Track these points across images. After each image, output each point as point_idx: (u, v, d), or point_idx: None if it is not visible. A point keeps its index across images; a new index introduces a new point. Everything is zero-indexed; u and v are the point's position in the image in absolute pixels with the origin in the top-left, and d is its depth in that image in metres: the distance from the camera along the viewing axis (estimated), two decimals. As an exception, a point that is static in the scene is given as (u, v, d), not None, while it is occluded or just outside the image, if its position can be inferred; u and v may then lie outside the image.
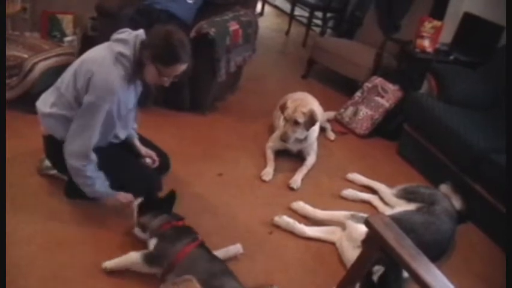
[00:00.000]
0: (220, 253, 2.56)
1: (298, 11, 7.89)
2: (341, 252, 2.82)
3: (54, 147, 2.61)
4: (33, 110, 2.67)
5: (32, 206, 2.71)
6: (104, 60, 2.45)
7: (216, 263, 2.35)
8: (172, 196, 2.65)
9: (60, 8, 4.77)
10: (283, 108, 3.65)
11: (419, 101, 4.07)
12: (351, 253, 2.63)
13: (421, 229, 2.80)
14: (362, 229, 2.53)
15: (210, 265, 2.31)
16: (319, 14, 7.46)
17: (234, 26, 4.14)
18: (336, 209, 3.13)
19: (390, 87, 4.60)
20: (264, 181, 3.45)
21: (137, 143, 2.97)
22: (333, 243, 2.91)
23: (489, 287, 2.88)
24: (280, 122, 3.73)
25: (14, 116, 3.07)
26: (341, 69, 5.33)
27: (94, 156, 2.52)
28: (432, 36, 4.57)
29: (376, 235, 1.80)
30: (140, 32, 2.54)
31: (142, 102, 2.89)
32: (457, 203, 3.32)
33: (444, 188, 3.47)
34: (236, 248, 2.63)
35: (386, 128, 4.53)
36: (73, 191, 2.76)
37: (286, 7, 8.57)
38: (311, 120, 3.56)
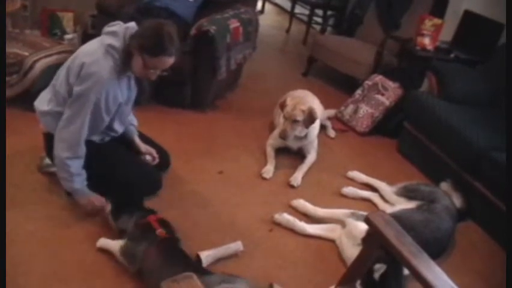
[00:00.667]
0: (220, 250, 2.57)
1: (298, 9, 7.89)
2: (341, 250, 2.82)
3: (53, 145, 2.62)
4: (33, 108, 2.68)
5: (32, 204, 2.71)
6: (94, 52, 2.47)
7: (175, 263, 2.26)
8: None
9: (60, 5, 4.77)
10: (282, 106, 3.65)
11: (419, 98, 4.07)
12: (351, 251, 2.62)
13: (421, 227, 2.80)
14: (362, 227, 2.54)
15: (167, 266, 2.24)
16: (319, 11, 7.47)
17: (234, 24, 4.14)
18: (337, 206, 3.13)
19: (391, 85, 4.60)
20: (264, 179, 3.45)
21: (137, 140, 2.97)
22: (333, 241, 2.91)
23: (489, 285, 2.88)
24: (281, 120, 3.73)
25: (14, 114, 3.08)
26: (341, 67, 5.33)
27: (82, 152, 2.52)
28: (432, 34, 4.57)
29: (376, 233, 1.81)
30: (131, 25, 2.54)
31: (136, 101, 2.88)
32: (457, 200, 3.33)
33: (444, 185, 3.47)
34: (236, 246, 2.63)
35: (386, 126, 4.52)
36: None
37: (287, 5, 8.57)
38: (310, 118, 3.56)
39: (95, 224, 2.64)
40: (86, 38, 4.62)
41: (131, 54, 2.47)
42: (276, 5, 9.39)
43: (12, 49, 3.57)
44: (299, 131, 3.61)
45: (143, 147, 2.98)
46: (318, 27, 7.33)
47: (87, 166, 2.61)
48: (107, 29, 2.55)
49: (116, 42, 2.47)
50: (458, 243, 3.14)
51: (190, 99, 4.19)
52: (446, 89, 4.06)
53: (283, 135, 3.57)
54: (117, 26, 2.54)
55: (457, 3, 4.94)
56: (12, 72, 3.50)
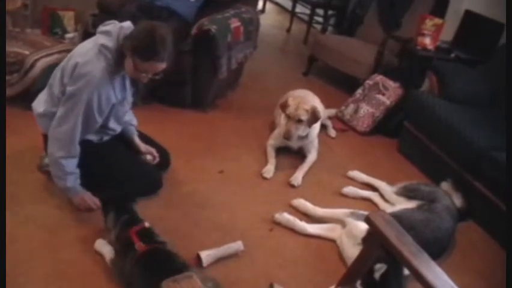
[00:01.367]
0: (221, 250, 2.57)
1: (299, 8, 7.89)
2: (341, 249, 2.82)
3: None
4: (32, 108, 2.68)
5: (32, 203, 2.71)
6: (88, 52, 2.47)
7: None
8: None
9: (61, 4, 4.76)
10: (284, 106, 3.64)
11: (419, 98, 4.07)
12: (352, 250, 2.62)
13: (421, 227, 2.80)
14: (363, 226, 2.54)
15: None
16: (320, 11, 7.46)
17: (235, 23, 4.14)
18: (337, 206, 3.13)
19: (391, 84, 4.59)
20: (265, 178, 3.45)
21: (136, 140, 2.97)
22: (333, 241, 2.91)
23: (489, 285, 2.88)
24: (282, 120, 3.72)
25: (14, 113, 3.08)
26: (341, 66, 5.33)
27: (76, 151, 2.53)
28: (433, 34, 4.57)
29: (377, 232, 1.81)
30: (126, 24, 2.53)
31: (133, 102, 2.89)
32: (458, 200, 3.33)
33: (444, 185, 3.47)
34: (237, 245, 2.63)
35: (386, 126, 4.52)
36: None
37: (288, 4, 8.56)
38: (314, 117, 3.56)
39: (95, 224, 2.63)
40: (87, 37, 4.56)
41: (124, 55, 2.46)
42: (276, 4, 9.39)
43: (12, 48, 3.57)
44: (302, 130, 3.60)
45: (143, 146, 2.98)
46: (318, 27, 7.32)
47: (86, 166, 2.61)
48: (101, 28, 2.55)
49: (110, 42, 2.46)
50: (459, 243, 3.14)
51: (190, 98, 4.19)
52: (446, 88, 4.06)
53: (287, 136, 3.56)
54: (111, 26, 2.53)
55: (457, 3, 4.94)
56: (13, 71, 3.50)
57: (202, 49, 3.92)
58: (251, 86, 5.07)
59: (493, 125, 3.69)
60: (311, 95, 3.99)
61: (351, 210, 2.98)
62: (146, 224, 2.39)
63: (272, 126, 4.05)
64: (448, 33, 4.79)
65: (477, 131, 3.52)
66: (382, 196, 3.42)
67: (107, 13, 3.97)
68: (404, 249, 1.70)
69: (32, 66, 3.50)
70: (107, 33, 2.50)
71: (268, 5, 9.01)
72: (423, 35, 4.58)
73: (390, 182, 3.49)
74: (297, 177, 3.48)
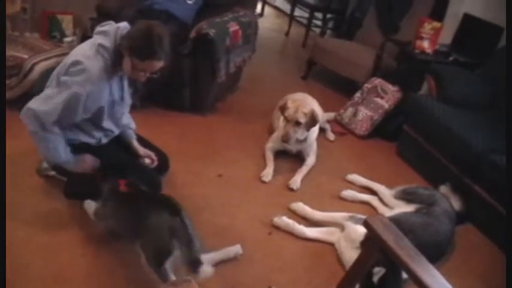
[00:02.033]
0: (219, 254, 2.57)
1: (298, 12, 7.90)
2: (339, 253, 2.82)
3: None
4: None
5: (31, 207, 2.71)
6: (86, 52, 2.49)
7: None
8: None
9: (60, 8, 4.78)
10: (283, 109, 3.65)
11: (418, 101, 4.07)
12: (350, 254, 2.62)
13: (420, 230, 2.80)
14: (361, 230, 2.54)
15: None
16: (319, 14, 7.48)
17: (233, 27, 4.14)
18: (336, 209, 3.13)
19: (390, 88, 4.60)
20: (263, 182, 3.45)
21: (135, 143, 2.97)
22: (332, 244, 2.91)
23: (488, 287, 2.89)
24: (280, 123, 3.72)
25: (13, 117, 3.06)
26: (340, 70, 5.34)
27: (55, 130, 2.49)
28: (431, 37, 4.58)
29: (375, 236, 1.80)
30: (123, 25, 2.54)
31: (132, 104, 2.90)
32: (456, 203, 3.33)
33: (443, 189, 3.47)
34: (236, 249, 2.63)
35: (385, 129, 4.52)
36: (72, 192, 2.76)
37: (286, 8, 8.58)
38: (312, 120, 3.56)
39: (94, 227, 2.64)
40: (85, 40, 4.61)
41: (122, 54, 2.47)
42: (275, 8, 9.40)
43: (11, 52, 3.58)
44: (300, 133, 3.61)
45: (141, 150, 2.98)
46: (317, 30, 7.33)
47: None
48: (98, 28, 2.57)
49: (107, 42, 2.48)
50: (457, 246, 3.14)
51: (189, 101, 4.19)
52: (445, 92, 4.06)
53: (285, 139, 3.56)
54: (108, 26, 2.55)
55: (456, 6, 4.95)
56: (12, 75, 3.50)
57: (200, 52, 3.92)
58: (250, 90, 5.07)
59: (491, 128, 3.70)
60: (310, 99, 4.00)
61: (350, 213, 2.98)
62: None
63: (271, 130, 4.05)
64: (446, 37, 4.80)
65: (476, 134, 3.53)
66: (381, 200, 3.42)
67: (105, 17, 3.95)
68: (402, 252, 1.70)
69: (31, 69, 3.51)
70: (104, 33, 2.51)
71: (267, 9, 9.02)
72: (421, 38, 4.59)
73: (389, 186, 3.48)
74: (296, 181, 3.48)
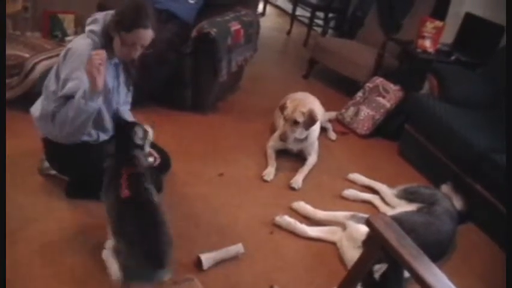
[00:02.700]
0: (221, 253, 2.56)
1: (299, 11, 7.90)
2: (341, 252, 2.82)
3: (52, 149, 2.62)
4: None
5: (32, 206, 2.71)
6: (77, 40, 2.56)
7: None
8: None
9: (61, 7, 4.78)
10: (282, 108, 3.65)
11: (420, 101, 4.07)
12: (352, 253, 2.62)
13: (422, 229, 2.80)
14: (363, 229, 2.54)
15: None
16: (320, 14, 7.48)
17: (235, 26, 4.14)
18: (337, 209, 3.13)
19: (392, 87, 4.60)
20: (265, 181, 3.45)
21: None
22: (334, 244, 2.91)
23: (489, 286, 2.88)
24: (280, 122, 3.73)
25: (14, 116, 3.08)
26: (342, 69, 5.34)
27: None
28: (433, 36, 4.57)
29: (377, 235, 1.80)
30: (112, 11, 2.57)
31: (137, 101, 2.90)
32: (458, 203, 3.32)
33: (445, 188, 3.47)
34: (237, 248, 2.63)
35: (387, 128, 4.52)
36: (74, 191, 2.77)
37: (288, 7, 8.58)
38: (310, 120, 3.56)
39: (96, 226, 2.63)
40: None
41: (111, 37, 2.50)
42: (277, 7, 9.40)
43: (12, 51, 3.57)
44: (299, 133, 3.61)
45: None
46: (319, 30, 7.32)
47: (83, 167, 2.61)
48: (89, 19, 2.61)
49: (96, 27, 2.53)
50: (459, 246, 3.14)
51: (191, 101, 4.19)
52: (446, 91, 4.06)
53: (283, 137, 3.57)
54: (98, 14, 2.61)
55: (458, 5, 4.95)
56: (13, 74, 3.50)
57: (202, 52, 3.92)
58: (251, 89, 5.07)
59: (493, 127, 3.69)
60: (311, 98, 4.00)
61: (352, 213, 2.97)
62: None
63: (272, 129, 4.06)
64: (448, 36, 4.79)
65: (477, 133, 3.52)
66: (382, 199, 3.42)
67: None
68: (404, 251, 1.70)
69: (32, 69, 3.50)
70: (94, 20, 2.57)
71: (269, 8, 9.03)
72: (423, 37, 4.58)
73: (391, 185, 3.48)
74: (298, 180, 3.48)
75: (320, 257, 2.81)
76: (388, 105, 4.51)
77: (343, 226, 2.92)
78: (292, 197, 3.27)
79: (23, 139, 3.12)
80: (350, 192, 3.46)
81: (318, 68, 5.78)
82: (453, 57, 4.58)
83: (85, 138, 2.63)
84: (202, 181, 3.30)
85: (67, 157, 2.62)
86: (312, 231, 2.95)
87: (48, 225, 2.60)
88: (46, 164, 2.92)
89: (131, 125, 2.58)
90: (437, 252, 2.85)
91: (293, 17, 7.84)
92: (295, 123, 3.54)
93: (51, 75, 2.57)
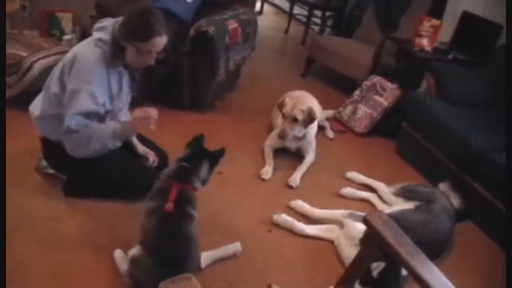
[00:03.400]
0: (219, 251, 2.57)
1: (297, 10, 7.90)
2: (339, 250, 2.82)
3: (50, 148, 2.62)
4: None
5: (30, 205, 2.71)
6: (85, 47, 2.54)
7: None
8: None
9: (59, 6, 4.78)
10: (281, 105, 3.66)
11: (417, 99, 4.08)
12: (350, 251, 2.63)
13: (419, 227, 2.80)
14: (360, 227, 2.55)
15: None
16: (318, 12, 7.47)
17: (233, 25, 4.14)
18: (335, 207, 3.14)
19: (389, 86, 4.60)
20: (263, 180, 3.45)
21: (134, 141, 2.97)
22: (331, 242, 2.91)
23: (488, 285, 2.88)
24: (279, 120, 3.73)
25: (12, 115, 3.07)
26: (339, 67, 5.34)
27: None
28: (431, 35, 4.58)
29: (374, 233, 1.81)
30: (120, 19, 2.56)
31: (135, 100, 2.91)
32: (456, 201, 3.33)
33: (443, 186, 3.47)
34: (235, 247, 2.63)
35: (384, 127, 4.53)
36: (72, 190, 2.77)
37: (286, 6, 8.57)
38: (309, 117, 3.57)
39: (94, 225, 2.64)
40: (84, 38, 4.59)
41: (123, 46, 2.50)
42: (274, 5, 9.39)
43: (10, 50, 3.57)
44: (298, 130, 3.61)
45: (141, 148, 2.98)
46: (316, 28, 7.33)
47: (83, 168, 2.62)
48: (96, 25, 2.60)
49: (105, 36, 2.52)
50: (457, 244, 3.14)
51: (188, 100, 4.19)
52: (444, 89, 4.07)
53: (282, 135, 3.57)
54: (106, 21, 2.59)
55: (455, 4, 4.95)
56: (11, 73, 3.50)
57: (200, 50, 3.92)
58: (249, 88, 5.07)
59: (490, 125, 3.70)
60: (309, 96, 4.00)
61: (349, 211, 2.98)
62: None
63: (270, 128, 4.05)
64: (445, 35, 4.80)
65: (475, 131, 3.53)
66: (380, 197, 3.43)
67: (105, 15, 3.95)
68: (401, 249, 1.70)
69: (30, 68, 3.50)
70: (102, 28, 2.55)
71: (266, 7, 9.01)
72: (421, 36, 4.59)
73: (388, 183, 3.49)
74: (295, 179, 3.48)
75: (318, 255, 2.81)
76: (386, 103, 4.52)
77: (341, 224, 2.92)
78: (290, 196, 3.27)
79: (21, 138, 3.12)
80: (348, 191, 3.46)
81: (316, 67, 5.78)
82: (450, 56, 4.59)
83: None
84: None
85: (65, 156, 2.62)
86: (310, 229, 2.96)
87: (46, 224, 2.60)
88: (44, 163, 2.92)
89: (201, 149, 2.68)
90: (435, 250, 2.86)
91: (291, 16, 7.84)
92: (295, 120, 3.55)
93: (54, 76, 2.57)
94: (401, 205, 3.16)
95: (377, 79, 4.73)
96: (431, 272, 1.65)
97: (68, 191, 2.81)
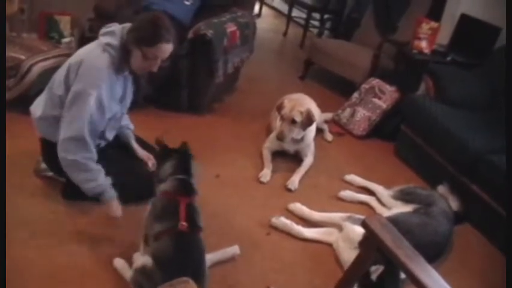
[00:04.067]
0: (217, 254, 2.57)
1: (295, 12, 7.91)
2: (338, 253, 2.82)
3: (49, 150, 2.62)
4: (30, 112, 2.68)
5: (29, 207, 2.71)
6: (92, 51, 2.52)
7: None
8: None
9: (58, 9, 4.77)
10: (280, 107, 3.66)
11: (416, 102, 4.08)
12: (348, 254, 2.63)
13: (418, 230, 2.80)
14: (359, 230, 2.55)
15: None
16: (316, 15, 7.47)
17: (231, 28, 4.14)
18: (334, 210, 3.14)
19: (388, 88, 4.60)
20: (261, 182, 3.45)
21: (134, 144, 2.97)
22: (330, 245, 2.91)
23: (486, 287, 2.88)
24: (277, 123, 3.73)
25: (11, 118, 3.06)
26: (338, 70, 5.34)
27: (94, 152, 2.52)
28: (429, 37, 4.58)
29: (373, 236, 1.81)
30: (128, 24, 2.57)
31: (134, 100, 2.91)
32: (454, 203, 3.33)
33: (441, 189, 3.47)
34: (233, 249, 2.63)
35: (383, 129, 4.53)
36: (71, 193, 2.76)
37: (284, 8, 8.59)
38: (308, 119, 3.57)
39: (92, 228, 2.64)
40: (83, 41, 4.57)
41: (129, 51, 2.50)
42: (273, 8, 9.40)
43: (9, 53, 3.56)
44: (296, 132, 3.61)
45: (140, 152, 2.98)
46: (315, 31, 7.33)
47: None
48: (104, 30, 2.59)
49: (114, 41, 2.51)
50: (455, 246, 3.14)
51: (187, 102, 4.19)
52: (442, 92, 4.07)
53: (280, 137, 3.57)
54: (114, 26, 2.58)
55: (453, 6, 4.95)
56: (10, 76, 3.49)
57: (198, 53, 3.92)
58: (248, 90, 5.07)
59: (489, 128, 3.70)
60: (308, 99, 4.00)
61: (348, 214, 2.98)
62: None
63: (269, 130, 4.06)
64: (444, 37, 4.81)
65: (473, 134, 3.53)
66: (379, 200, 3.43)
67: (103, 17, 3.97)
68: (400, 252, 1.70)
69: (29, 70, 3.50)
70: (110, 33, 2.55)
71: (265, 9, 9.03)
72: (419, 38, 4.59)
73: (387, 186, 3.49)
74: (294, 181, 3.48)
75: (317, 258, 2.81)
76: (384, 106, 4.52)
77: (339, 227, 2.92)
78: (288, 198, 3.27)
79: (19, 140, 3.12)
80: (347, 194, 3.46)
81: (315, 69, 5.79)
82: (449, 58, 4.60)
83: None
84: (199, 183, 3.29)
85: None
86: (309, 232, 2.96)
87: (45, 226, 2.60)
88: (43, 165, 2.91)
89: (188, 155, 2.57)
90: (434, 253, 2.86)
91: (289, 18, 7.84)
92: (293, 122, 3.55)
93: (59, 78, 2.56)
94: (400, 208, 3.16)
95: (375, 82, 4.73)
96: (429, 274, 1.64)
97: (66, 194, 2.80)
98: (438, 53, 4.66)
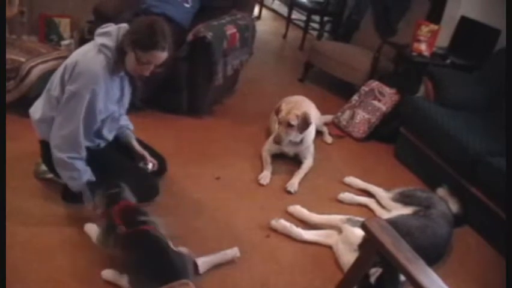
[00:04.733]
0: (217, 256, 2.56)
1: (295, 15, 7.92)
2: (337, 255, 2.82)
3: (49, 152, 2.62)
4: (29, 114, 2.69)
5: (28, 210, 2.71)
6: (87, 52, 2.52)
7: None
8: None
9: (57, 11, 4.78)
10: (277, 111, 3.66)
11: (415, 104, 4.08)
12: (348, 257, 2.62)
13: (417, 233, 2.80)
14: (359, 233, 2.55)
15: None
16: (316, 17, 7.49)
17: (231, 30, 4.15)
18: (333, 212, 3.13)
19: (387, 90, 4.60)
20: (261, 185, 3.45)
21: (135, 144, 2.97)
22: (330, 247, 2.91)
23: (486, 290, 2.89)
24: (275, 125, 3.73)
25: (10, 120, 3.07)
26: (337, 72, 5.35)
27: (84, 152, 2.54)
28: (429, 39, 4.59)
29: (373, 238, 1.81)
30: (124, 25, 2.58)
31: (133, 105, 2.91)
32: (454, 206, 3.33)
33: (441, 191, 3.47)
34: (233, 252, 2.62)
35: (383, 132, 4.53)
36: (70, 195, 2.76)
37: (284, 11, 8.61)
38: (304, 122, 3.56)
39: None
40: (83, 43, 4.57)
41: (125, 52, 2.50)
42: (272, 10, 9.42)
43: (9, 55, 3.57)
44: (294, 136, 3.61)
45: (140, 150, 2.97)
46: (314, 33, 7.35)
47: None
48: (99, 30, 2.59)
49: (109, 42, 2.52)
50: (455, 249, 3.14)
51: (187, 104, 4.19)
52: (442, 94, 4.07)
53: (277, 140, 3.58)
54: (110, 27, 2.58)
55: (453, 9, 4.96)
56: (9, 78, 3.50)
57: (198, 55, 3.93)
58: (247, 92, 5.08)
59: (488, 130, 3.70)
60: (307, 101, 4.00)
61: (348, 216, 2.97)
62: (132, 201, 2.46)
63: (268, 132, 4.06)
64: (443, 39, 4.81)
65: (473, 136, 3.53)
66: (378, 202, 3.42)
67: (103, 20, 3.95)
68: (399, 255, 1.70)
69: (28, 73, 3.51)
70: (106, 33, 2.54)
71: (264, 12, 9.05)
72: (419, 41, 4.60)
73: (387, 188, 3.48)
74: (293, 184, 3.48)
75: (316, 261, 2.81)
76: (384, 108, 4.52)
77: (339, 230, 2.92)
78: (288, 201, 3.27)
79: (19, 142, 3.12)
80: (346, 196, 3.46)
81: (314, 72, 5.79)
82: (448, 61, 4.60)
83: (86, 144, 2.63)
84: (199, 185, 3.29)
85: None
86: (308, 234, 2.95)
87: (44, 229, 2.60)
88: (43, 168, 2.91)
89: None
90: (434, 255, 2.86)
91: (289, 21, 7.85)
92: (290, 125, 3.55)
93: (55, 80, 2.56)
94: (399, 210, 3.15)
95: (375, 84, 4.73)
96: (429, 277, 1.64)
97: (66, 196, 2.80)
98: (438, 56, 4.67)
